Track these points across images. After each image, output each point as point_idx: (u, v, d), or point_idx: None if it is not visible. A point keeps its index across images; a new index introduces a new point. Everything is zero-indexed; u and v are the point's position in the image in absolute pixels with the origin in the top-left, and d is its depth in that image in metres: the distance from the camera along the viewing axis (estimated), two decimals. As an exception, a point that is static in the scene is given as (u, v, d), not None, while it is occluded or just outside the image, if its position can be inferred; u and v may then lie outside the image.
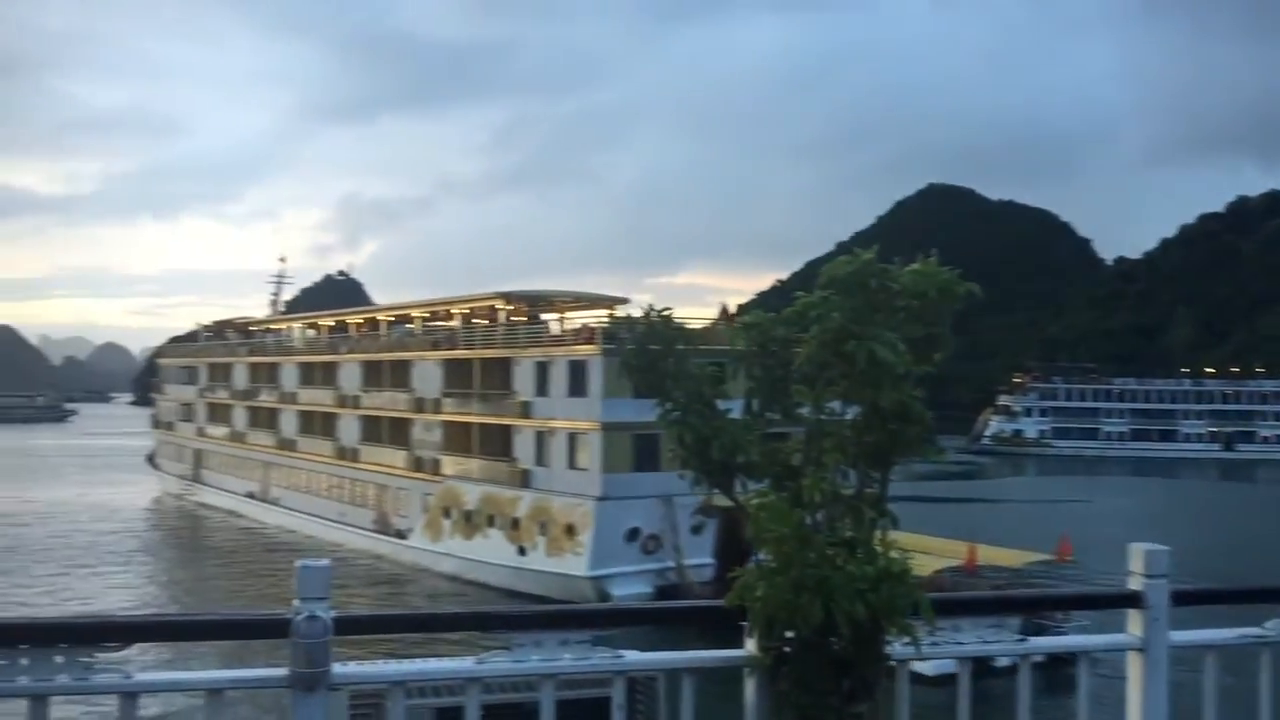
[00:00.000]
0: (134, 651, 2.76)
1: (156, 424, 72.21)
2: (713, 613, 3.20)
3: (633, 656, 3.14)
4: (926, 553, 28.69)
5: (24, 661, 2.73)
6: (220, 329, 70.35)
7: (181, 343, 79.31)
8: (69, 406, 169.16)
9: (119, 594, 35.45)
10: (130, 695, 2.78)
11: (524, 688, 3.12)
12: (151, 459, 70.19)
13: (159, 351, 76.18)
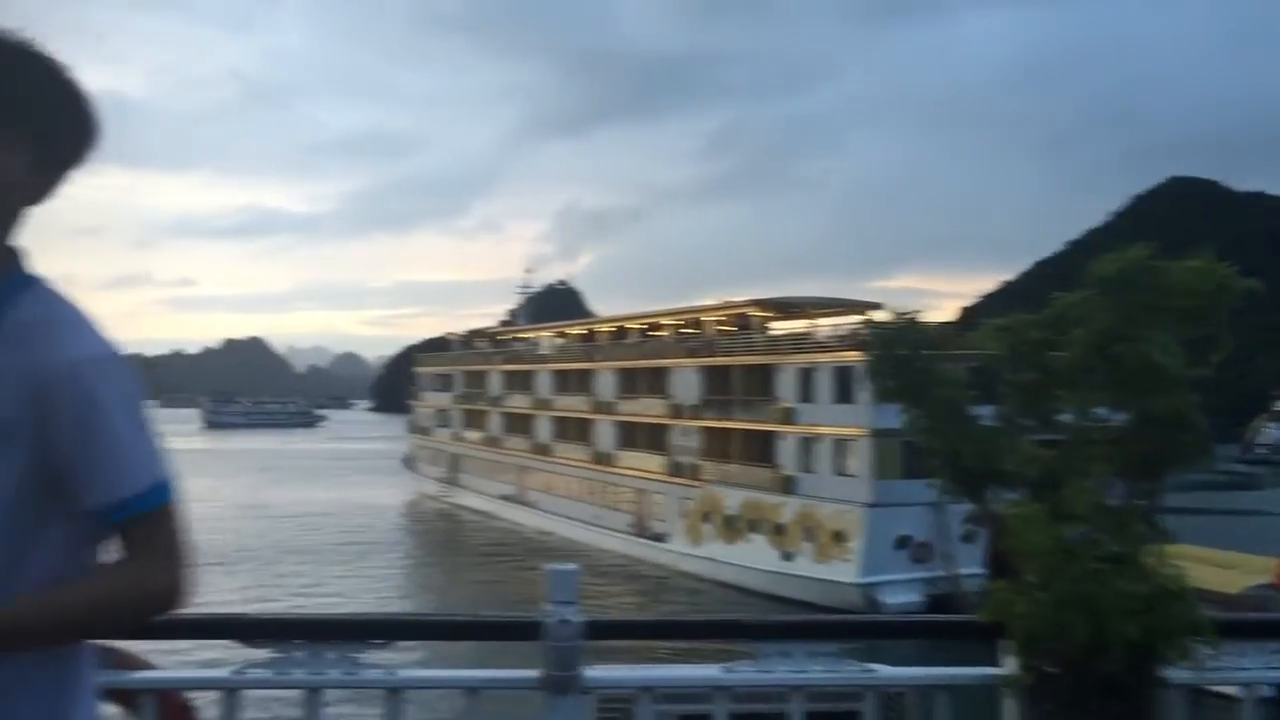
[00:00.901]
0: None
1: (413, 429, 76.17)
2: (966, 628, 3.06)
3: (885, 671, 3.04)
4: (1229, 567, 26.64)
5: (299, 655, 2.91)
6: (470, 338, 73.64)
7: (432, 352, 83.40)
8: (318, 412, 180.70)
9: (384, 591, 37.50)
10: (395, 691, 2.91)
11: (772, 698, 3.07)
12: (409, 462, 74.06)
13: (415, 361, 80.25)
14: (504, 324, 76.04)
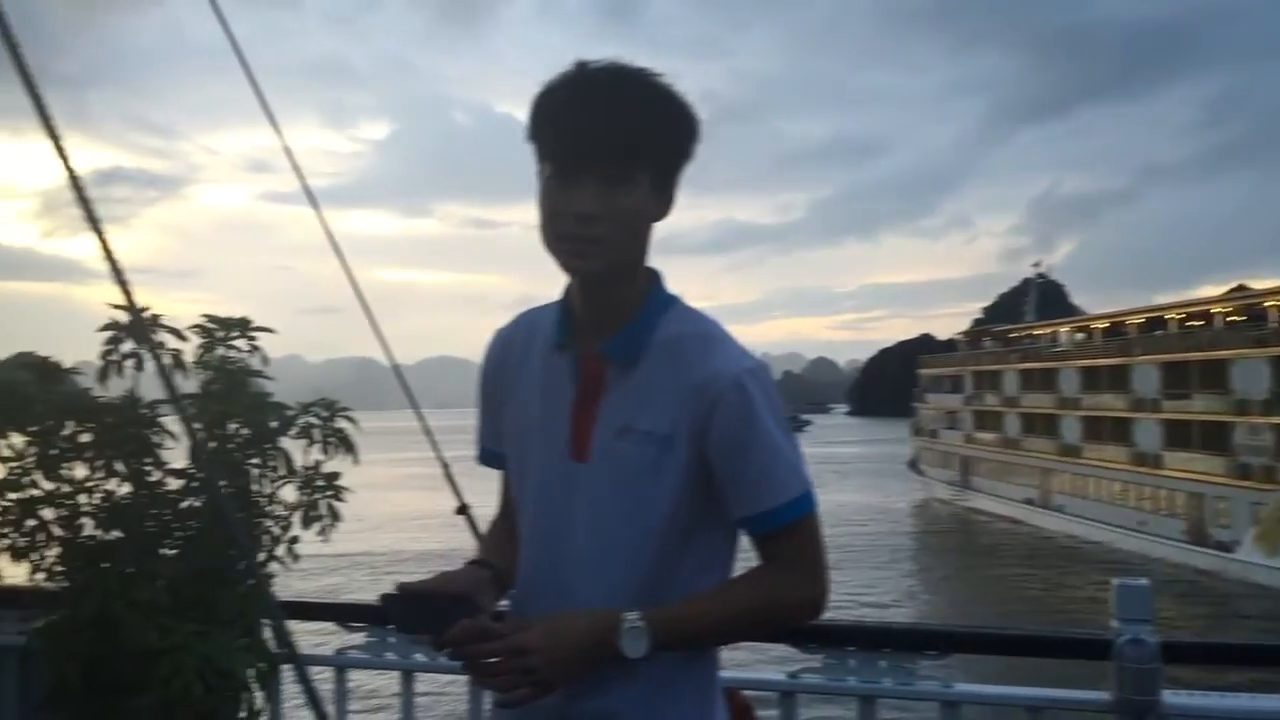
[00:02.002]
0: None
1: (917, 431, 75.13)
2: None
3: None
4: None
5: (852, 663, 2.88)
6: (977, 337, 71.47)
7: (927, 353, 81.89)
8: (803, 417, 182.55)
9: (918, 597, 37.00)
10: (951, 705, 2.80)
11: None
12: (914, 464, 73.19)
13: (921, 362, 79.09)
14: (977, 322, 72.76)
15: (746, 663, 3.27)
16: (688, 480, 1.57)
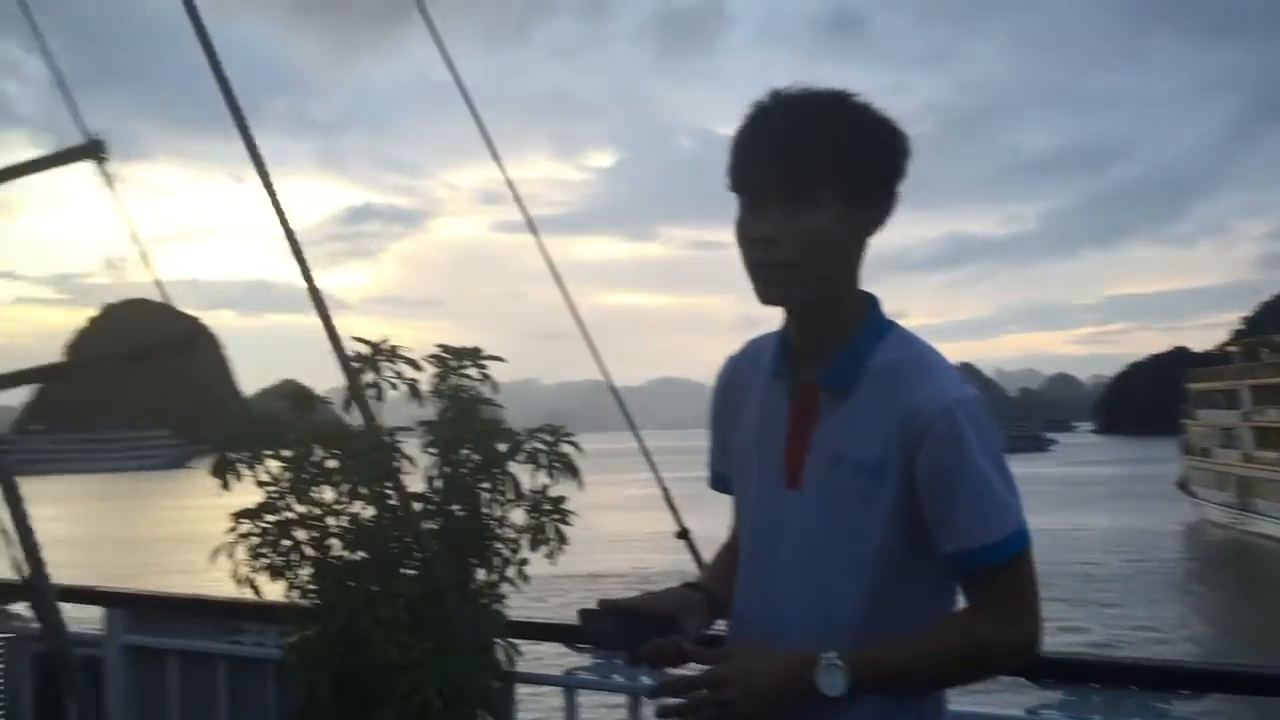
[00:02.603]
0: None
1: (1187, 449, 70.11)
2: None
3: None
4: None
5: (1095, 699, 2.70)
6: (1252, 348, 66.13)
7: (1207, 367, 76.25)
8: (1047, 436, 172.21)
9: (1176, 627, 34.52)
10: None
11: None
12: (1184, 485, 68.31)
13: (1191, 376, 73.78)
14: (1239, 333, 66.86)
15: (980, 695, 3.12)
16: (898, 512, 1.52)
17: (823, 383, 1.61)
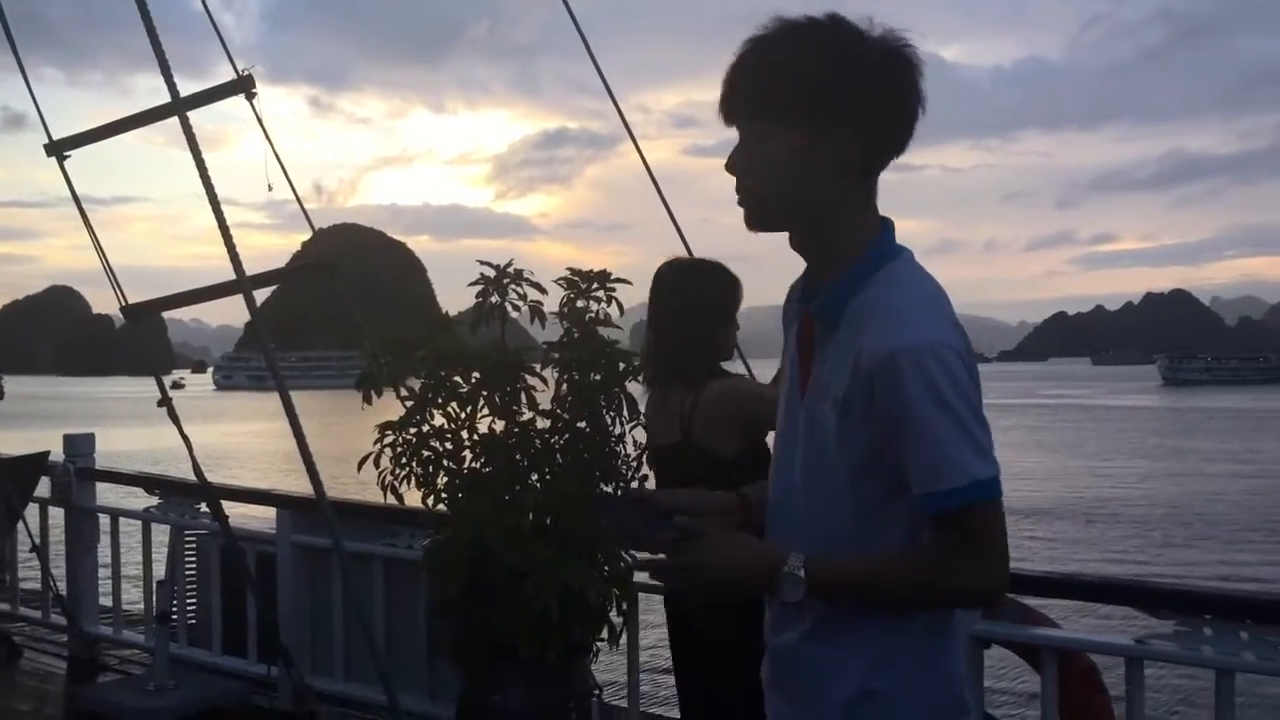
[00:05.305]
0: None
1: None
2: None
3: None
4: None
5: (1207, 631, 2.66)
6: None
7: None
8: None
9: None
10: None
11: None
12: None
13: None
14: None
15: (1093, 625, 3.09)
16: (870, 448, 1.54)
17: (815, 315, 1.66)
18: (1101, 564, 19.99)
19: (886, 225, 1.66)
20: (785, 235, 1.68)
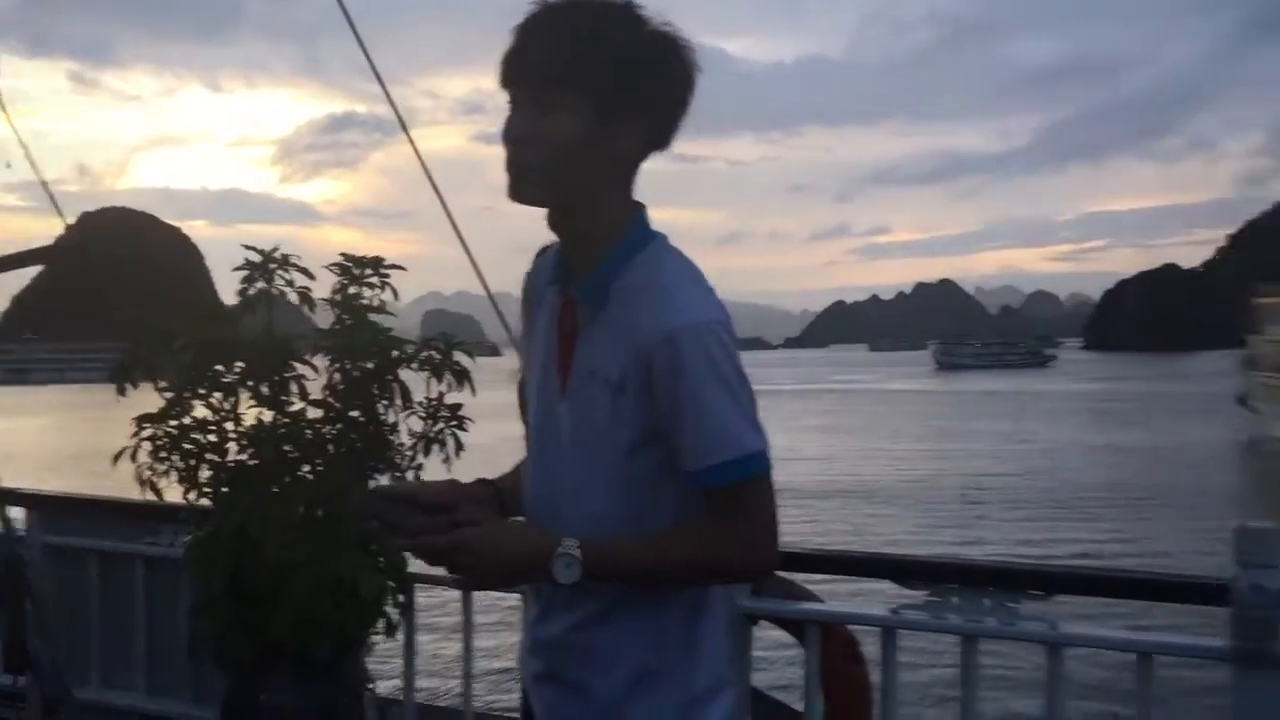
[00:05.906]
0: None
1: (1249, 365, 68.23)
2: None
3: None
4: None
5: (955, 600, 2.82)
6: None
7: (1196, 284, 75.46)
8: (1048, 353, 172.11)
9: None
10: (1055, 647, 2.70)
11: None
12: (1243, 400, 66.89)
13: (1257, 293, 71.17)
14: (1223, 250, 65.25)
15: (849, 598, 3.25)
16: (644, 430, 1.57)
17: (579, 297, 1.65)
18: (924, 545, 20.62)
19: (641, 208, 1.67)
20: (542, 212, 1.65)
